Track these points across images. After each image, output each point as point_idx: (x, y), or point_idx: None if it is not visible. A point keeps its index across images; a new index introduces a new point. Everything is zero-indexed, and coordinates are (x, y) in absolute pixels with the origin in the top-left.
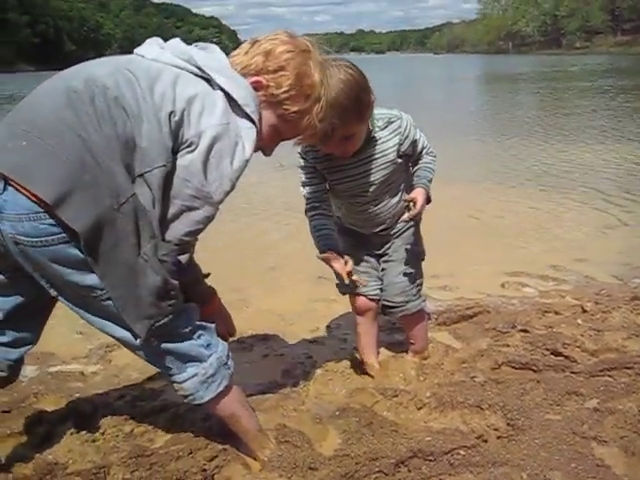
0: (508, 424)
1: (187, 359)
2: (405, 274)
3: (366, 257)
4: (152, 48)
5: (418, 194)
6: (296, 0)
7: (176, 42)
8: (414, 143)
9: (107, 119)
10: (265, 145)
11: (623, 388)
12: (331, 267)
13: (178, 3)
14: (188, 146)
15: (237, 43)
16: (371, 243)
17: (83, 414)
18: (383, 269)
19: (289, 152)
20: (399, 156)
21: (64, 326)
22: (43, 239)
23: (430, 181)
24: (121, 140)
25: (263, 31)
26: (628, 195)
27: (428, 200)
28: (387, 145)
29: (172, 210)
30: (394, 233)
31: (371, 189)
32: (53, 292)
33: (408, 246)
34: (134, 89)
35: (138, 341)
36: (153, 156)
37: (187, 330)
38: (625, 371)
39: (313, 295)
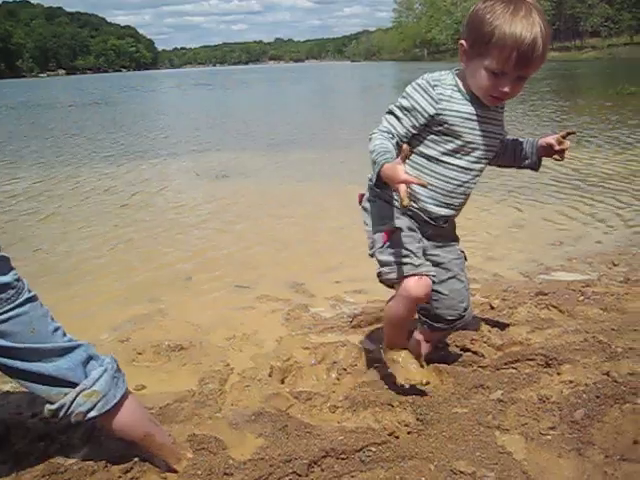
0: (418, 419)
1: (88, 359)
2: (464, 276)
3: (417, 236)
4: None
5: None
6: (213, 9)
7: None
8: None
9: None
10: None
11: (525, 379)
12: (396, 179)
13: (92, 12)
14: None
15: (155, 53)
16: (426, 231)
17: None
18: (439, 275)
19: (206, 162)
20: None
21: None
22: None
23: None
24: None
25: (180, 40)
26: (537, 194)
27: None
28: (502, 116)
29: None
30: (447, 227)
31: (487, 154)
32: None
33: (458, 245)
34: None
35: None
36: None
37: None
38: (528, 363)
39: (229, 303)
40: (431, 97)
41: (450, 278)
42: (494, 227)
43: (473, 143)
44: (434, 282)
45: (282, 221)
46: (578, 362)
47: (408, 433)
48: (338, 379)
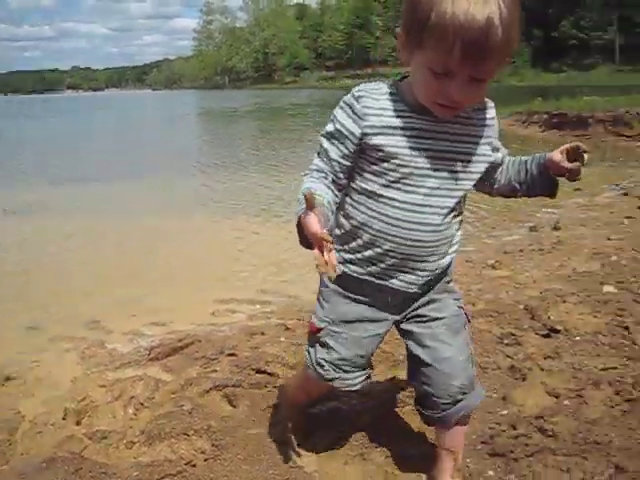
0: (213, 445)
1: None
2: (464, 344)
3: (370, 332)
4: None
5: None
6: (1, 34)
7: None
8: (497, 141)
9: None
10: None
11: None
12: (307, 232)
13: None
14: None
15: None
16: (390, 304)
17: None
18: (418, 336)
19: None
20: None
21: None
22: None
23: None
24: None
25: None
26: None
27: None
28: (481, 131)
29: None
30: (430, 279)
31: (454, 182)
32: None
33: (456, 297)
34: None
35: None
36: None
37: None
38: None
39: (20, 347)
40: (355, 113)
41: (435, 343)
42: (285, 249)
43: (423, 169)
44: (419, 344)
45: (76, 256)
46: None
47: (205, 460)
48: (135, 414)
